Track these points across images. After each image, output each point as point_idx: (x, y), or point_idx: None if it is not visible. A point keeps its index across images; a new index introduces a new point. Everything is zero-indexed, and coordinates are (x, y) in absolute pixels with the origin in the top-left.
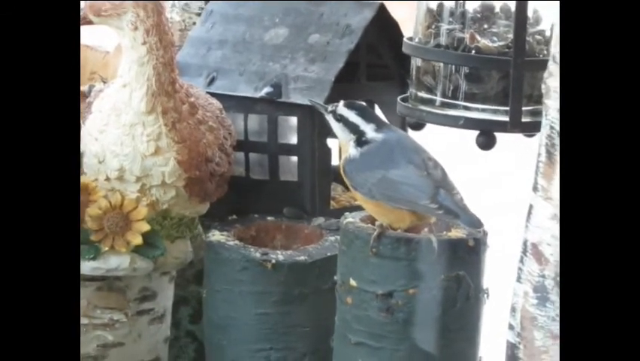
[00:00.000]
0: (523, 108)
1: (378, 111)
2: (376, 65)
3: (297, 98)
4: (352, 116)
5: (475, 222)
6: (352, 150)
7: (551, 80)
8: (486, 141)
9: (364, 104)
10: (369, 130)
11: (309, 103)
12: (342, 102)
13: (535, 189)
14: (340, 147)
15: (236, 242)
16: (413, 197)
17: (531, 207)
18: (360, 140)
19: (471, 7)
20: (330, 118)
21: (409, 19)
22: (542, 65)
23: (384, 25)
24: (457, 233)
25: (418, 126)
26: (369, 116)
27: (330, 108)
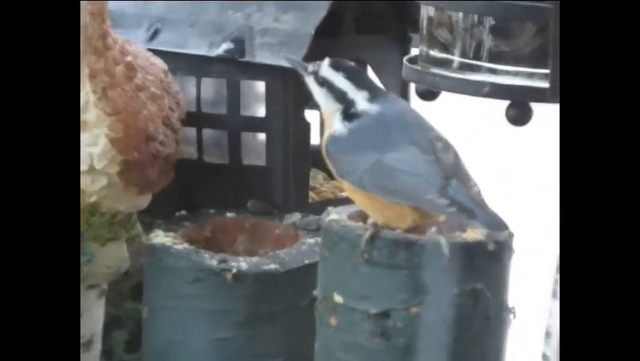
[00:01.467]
0: None
1: (370, 74)
2: (368, 15)
3: (264, 57)
4: (339, 80)
5: (496, 224)
6: (338, 126)
7: None
8: (519, 114)
9: (354, 64)
10: (360, 99)
11: (281, 63)
12: (326, 61)
13: None
14: (323, 121)
15: (186, 245)
16: (417, 189)
17: None
18: (349, 112)
19: None
20: (310, 81)
21: None
22: None
23: None
24: (473, 234)
25: (430, 95)
26: (361, 81)
27: (310, 68)
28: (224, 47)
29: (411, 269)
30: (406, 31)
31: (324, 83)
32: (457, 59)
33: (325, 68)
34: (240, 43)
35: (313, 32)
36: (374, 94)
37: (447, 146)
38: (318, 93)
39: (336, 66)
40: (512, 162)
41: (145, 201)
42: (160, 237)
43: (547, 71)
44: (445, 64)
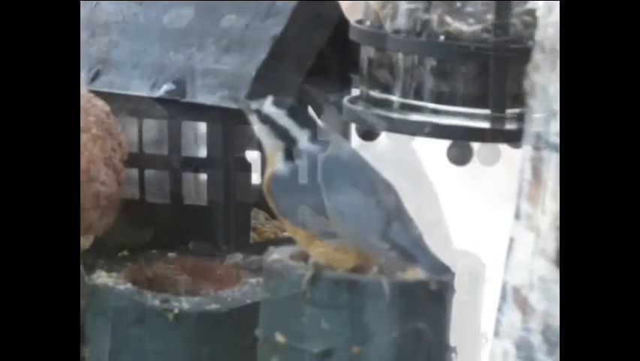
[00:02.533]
0: (508, 111)
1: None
2: (309, 56)
3: (206, 98)
4: (282, 118)
5: (438, 267)
6: (280, 164)
7: (538, 75)
8: (460, 154)
9: (297, 103)
10: (302, 138)
11: (221, 104)
12: (269, 98)
13: (517, 216)
14: (264, 160)
15: (129, 286)
16: (358, 233)
17: (512, 240)
18: (291, 151)
19: None
20: (254, 119)
21: None
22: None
23: (319, 4)
24: (415, 274)
25: (370, 136)
26: (304, 120)
27: (253, 106)
28: (166, 87)
29: (353, 309)
30: (347, 72)
31: (266, 120)
32: (397, 99)
33: (268, 105)
34: (181, 85)
35: (254, 73)
36: (316, 133)
37: (388, 187)
38: (261, 131)
39: (279, 104)
40: (455, 201)
41: (87, 241)
42: (102, 277)
43: (487, 111)
44: (386, 104)
